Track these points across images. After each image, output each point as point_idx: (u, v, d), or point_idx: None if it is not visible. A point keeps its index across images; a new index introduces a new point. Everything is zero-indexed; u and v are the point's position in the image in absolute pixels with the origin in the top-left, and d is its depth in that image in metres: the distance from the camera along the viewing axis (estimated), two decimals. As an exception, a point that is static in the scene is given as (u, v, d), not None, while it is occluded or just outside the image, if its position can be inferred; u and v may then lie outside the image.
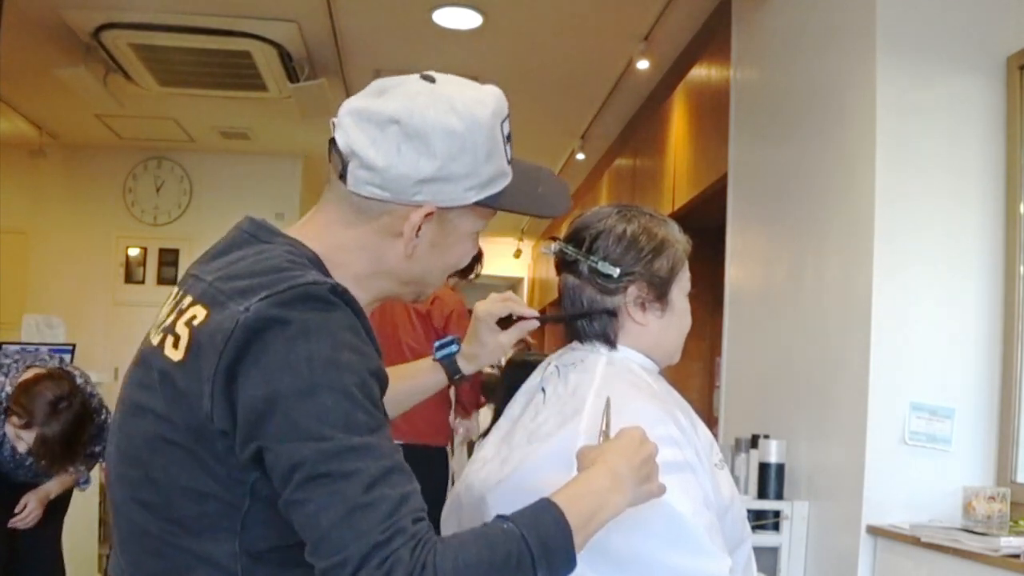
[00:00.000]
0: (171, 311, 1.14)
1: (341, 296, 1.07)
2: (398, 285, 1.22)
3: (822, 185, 3.10)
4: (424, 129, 1.12)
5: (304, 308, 1.03)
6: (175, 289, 1.19)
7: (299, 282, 1.05)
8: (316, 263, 1.13)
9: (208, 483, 1.05)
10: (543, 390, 1.45)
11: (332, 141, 1.16)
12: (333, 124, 1.17)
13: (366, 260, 1.18)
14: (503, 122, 1.19)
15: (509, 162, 1.22)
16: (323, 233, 1.17)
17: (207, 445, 1.04)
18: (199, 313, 1.07)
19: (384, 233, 1.16)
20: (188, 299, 1.11)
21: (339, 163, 1.14)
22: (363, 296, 1.16)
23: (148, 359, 1.12)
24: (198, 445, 1.04)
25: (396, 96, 1.14)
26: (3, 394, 2.92)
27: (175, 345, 1.07)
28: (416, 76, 1.18)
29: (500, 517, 1.03)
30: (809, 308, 3.14)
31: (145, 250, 7.17)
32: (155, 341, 1.12)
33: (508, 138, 1.21)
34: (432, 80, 1.17)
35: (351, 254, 1.17)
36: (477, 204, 1.18)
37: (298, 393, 0.99)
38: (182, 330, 1.08)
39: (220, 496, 1.05)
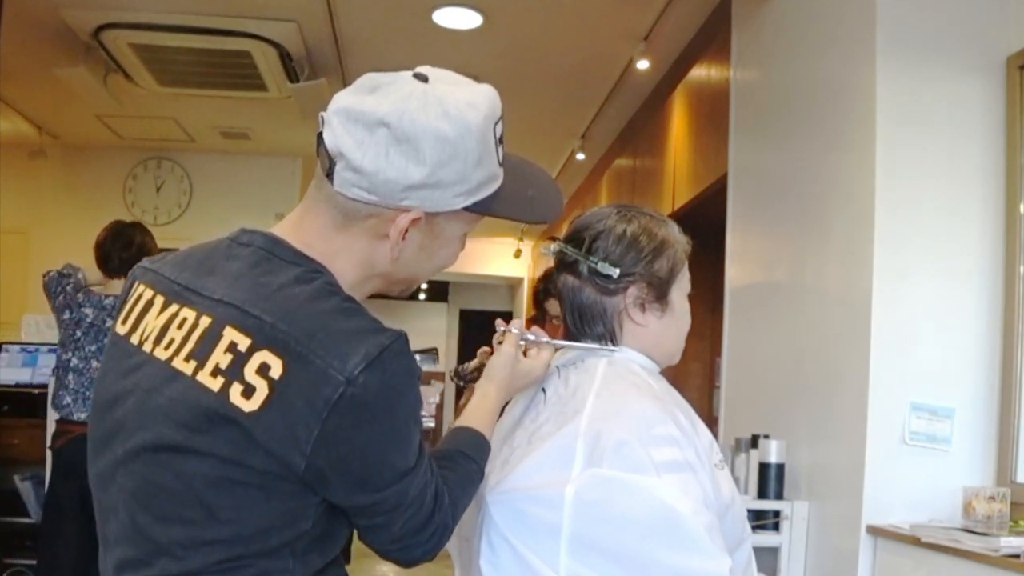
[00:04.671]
0: (198, 335, 1.09)
1: (407, 343, 1.11)
2: (387, 284, 1.24)
3: (822, 185, 3.10)
4: (414, 134, 1.10)
5: (396, 372, 1.07)
6: (181, 306, 1.12)
7: (386, 343, 1.06)
8: (337, 285, 1.14)
9: (277, 518, 1.08)
10: (543, 390, 1.45)
11: (320, 136, 1.14)
12: (322, 119, 1.15)
13: (359, 265, 1.18)
14: (496, 124, 1.17)
15: (501, 164, 1.20)
16: (318, 240, 1.16)
17: (284, 484, 1.06)
18: (273, 363, 1.04)
19: (371, 235, 1.16)
20: (235, 332, 1.07)
21: (326, 161, 1.13)
22: (359, 297, 1.17)
23: (191, 400, 1.06)
24: (275, 484, 1.06)
25: (387, 96, 1.11)
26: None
27: (245, 395, 1.04)
28: (409, 74, 1.15)
29: (465, 455, 1.28)
30: (809, 308, 3.14)
31: (145, 250, 7.17)
32: (214, 387, 1.05)
33: (500, 140, 1.19)
34: (425, 80, 1.15)
35: (346, 262, 1.17)
36: (466, 210, 1.17)
37: (396, 443, 1.10)
38: (255, 380, 1.04)
39: (283, 530, 1.08)
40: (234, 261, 1.14)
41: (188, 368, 1.08)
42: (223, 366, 1.06)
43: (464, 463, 1.27)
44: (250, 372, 1.04)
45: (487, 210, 1.19)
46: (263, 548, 1.07)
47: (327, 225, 1.16)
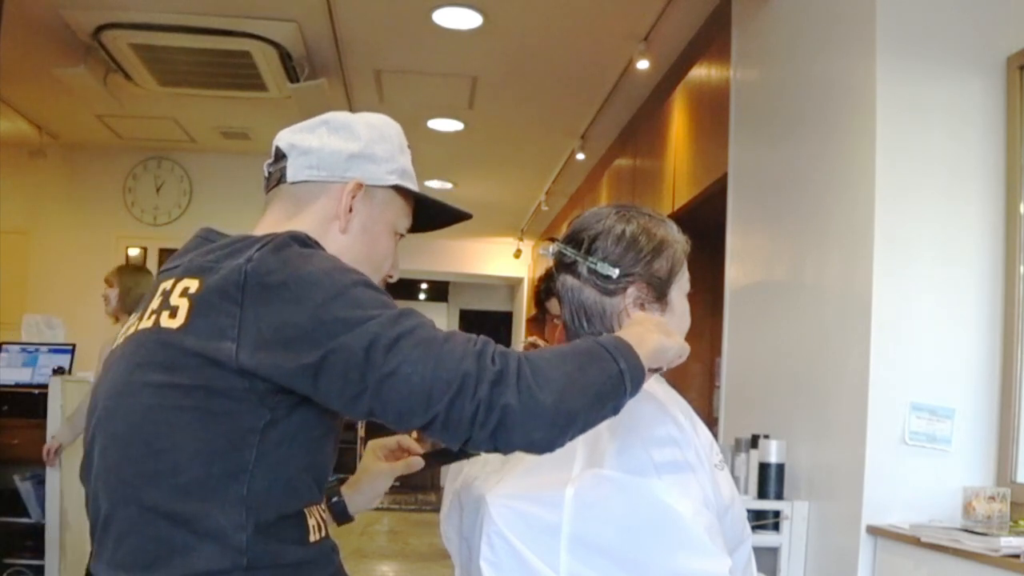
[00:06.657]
0: (152, 301, 1.21)
1: (316, 243, 1.20)
2: None
3: (822, 185, 3.10)
4: (347, 123, 1.34)
5: (295, 246, 1.16)
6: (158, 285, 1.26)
7: (279, 232, 1.17)
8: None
9: (216, 441, 1.11)
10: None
11: (269, 173, 1.34)
12: (266, 167, 1.35)
13: None
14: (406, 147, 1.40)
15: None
16: (268, 231, 1.25)
17: (221, 396, 1.10)
18: (191, 284, 1.16)
19: (323, 217, 1.30)
20: (170, 282, 1.19)
21: (279, 172, 1.32)
22: None
23: (139, 341, 1.18)
24: (210, 400, 1.10)
25: (319, 118, 1.36)
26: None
27: (172, 316, 1.15)
28: None
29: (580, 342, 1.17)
30: (809, 308, 3.14)
31: (145, 250, 7.17)
32: (148, 325, 1.18)
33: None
34: None
35: None
36: (398, 189, 1.34)
37: (333, 297, 1.10)
38: (178, 301, 1.15)
39: (227, 453, 1.10)
40: (180, 250, 1.30)
41: (148, 323, 1.19)
42: (155, 307, 1.19)
43: (572, 346, 1.17)
44: (175, 298, 1.16)
45: (415, 193, 1.37)
46: (205, 475, 1.10)
47: (279, 219, 1.31)
